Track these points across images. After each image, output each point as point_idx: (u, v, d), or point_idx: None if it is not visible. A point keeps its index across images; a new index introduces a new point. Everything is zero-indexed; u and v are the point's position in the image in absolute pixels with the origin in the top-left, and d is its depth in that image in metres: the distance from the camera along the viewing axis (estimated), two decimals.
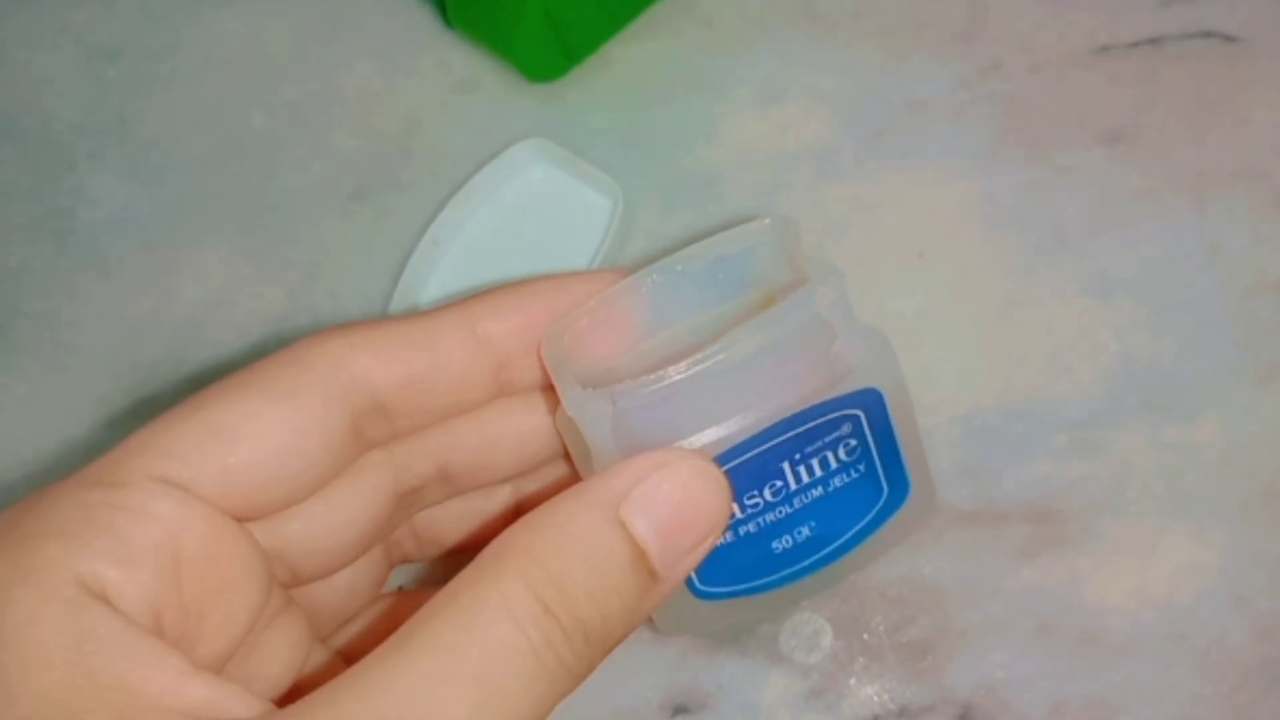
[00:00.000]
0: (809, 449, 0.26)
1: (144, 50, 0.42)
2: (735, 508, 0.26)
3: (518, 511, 0.28)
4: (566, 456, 0.26)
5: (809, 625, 0.31)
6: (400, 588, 0.32)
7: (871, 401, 0.26)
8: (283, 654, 0.24)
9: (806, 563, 0.28)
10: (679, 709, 0.31)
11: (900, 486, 0.28)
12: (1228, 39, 0.38)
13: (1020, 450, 0.33)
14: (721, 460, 0.24)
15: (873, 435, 0.26)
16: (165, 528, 0.21)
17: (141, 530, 0.20)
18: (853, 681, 0.31)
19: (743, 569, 0.27)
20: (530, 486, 0.28)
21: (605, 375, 0.25)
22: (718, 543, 0.23)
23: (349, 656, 0.26)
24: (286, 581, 0.25)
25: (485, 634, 0.20)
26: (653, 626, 0.29)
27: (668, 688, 0.31)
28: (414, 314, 0.25)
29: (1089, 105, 0.37)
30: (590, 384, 0.24)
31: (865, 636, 0.31)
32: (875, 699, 0.31)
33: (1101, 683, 0.30)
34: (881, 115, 0.38)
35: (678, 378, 0.23)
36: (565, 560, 0.21)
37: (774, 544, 0.27)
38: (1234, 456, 0.32)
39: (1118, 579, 0.31)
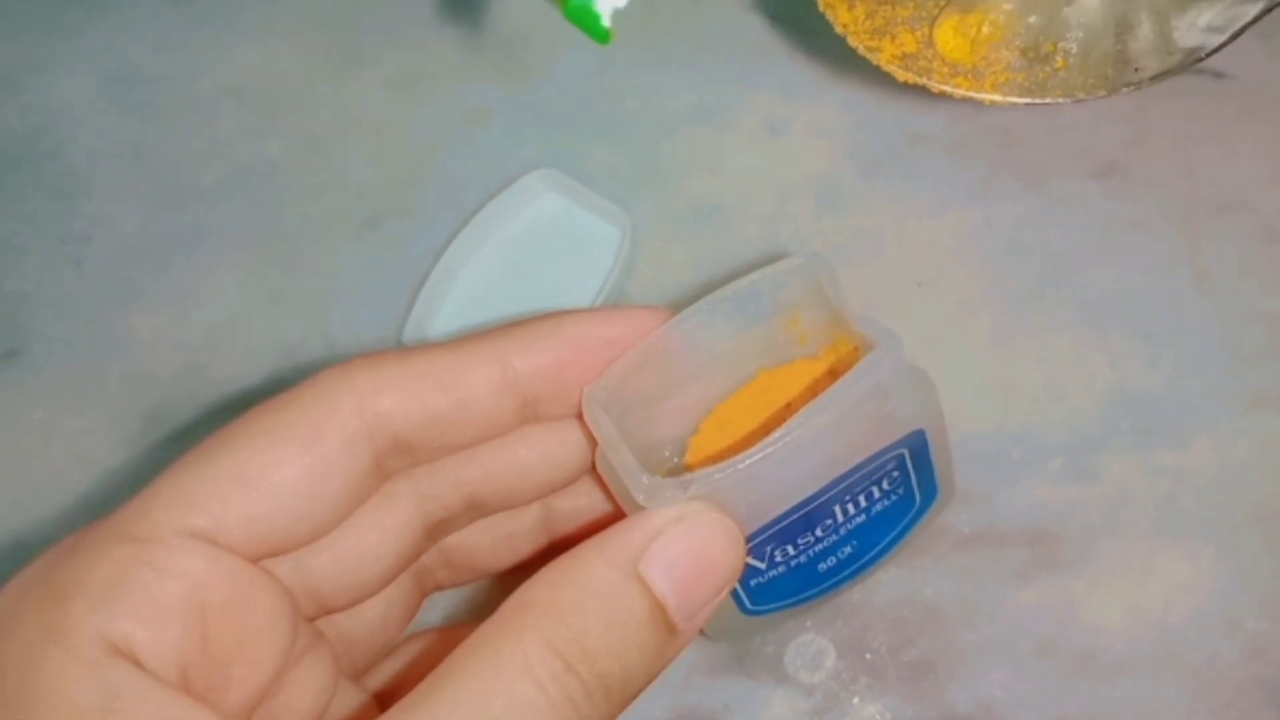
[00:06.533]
0: (858, 489, 0.27)
1: (161, 79, 0.43)
2: (789, 548, 0.27)
3: (547, 530, 0.28)
4: (593, 473, 0.27)
5: (813, 645, 0.32)
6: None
7: (916, 439, 0.27)
8: (309, 691, 0.24)
9: (847, 573, 0.29)
10: None
11: (930, 493, 0.29)
12: (1216, 76, 0.39)
13: (1018, 474, 0.34)
14: (781, 517, 0.25)
15: (913, 465, 0.28)
16: (191, 582, 0.21)
17: (168, 587, 0.21)
18: (855, 700, 0.32)
19: (790, 589, 0.28)
20: (559, 502, 0.28)
21: (655, 440, 0.26)
22: (733, 588, 0.24)
23: (384, 698, 0.27)
24: (314, 613, 0.25)
25: (506, 691, 0.20)
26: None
27: (675, 707, 0.32)
28: (442, 346, 0.25)
29: (1082, 139, 0.38)
30: (637, 439, 0.25)
31: (868, 656, 0.32)
32: (878, 717, 0.31)
33: (1098, 700, 0.31)
34: (881, 147, 0.39)
35: (749, 462, 0.23)
36: (586, 617, 0.21)
37: (819, 565, 0.28)
38: (1225, 480, 0.33)
39: (1113, 600, 0.32)
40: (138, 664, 0.20)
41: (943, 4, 0.27)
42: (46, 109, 0.43)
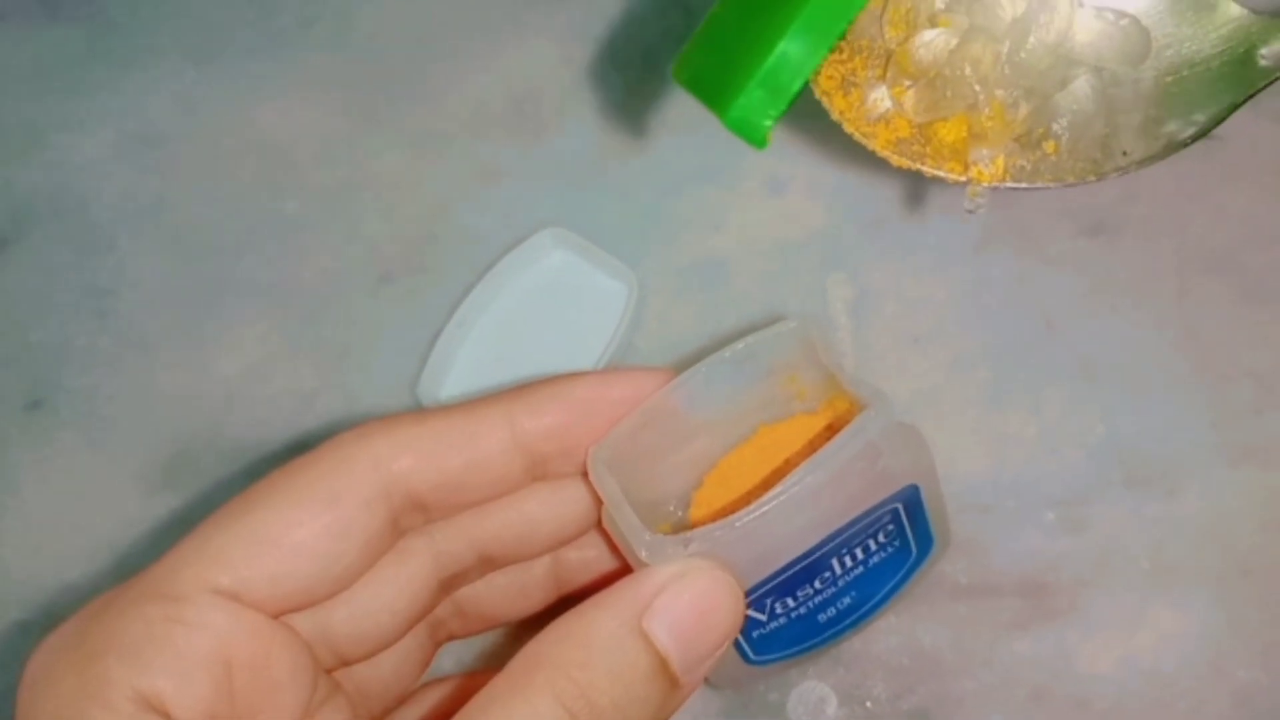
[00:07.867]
0: (855, 542, 0.28)
1: (182, 137, 0.45)
2: (789, 600, 0.28)
3: (557, 580, 0.29)
4: (600, 527, 0.28)
5: (815, 693, 0.33)
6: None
7: (910, 494, 0.28)
8: None
9: (847, 623, 0.30)
10: None
11: (926, 544, 0.30)
12: (1206, 138, 0.40)
13: (1012, 526, 0.35)
14: (781, 571, 0.26)
15: (908, 518, 0.29)
16: (218, 638, 0.22)
17: (197, 643, 0.22)
18: None
19: (791, 639, 0.29)
20: (568, 554, 0.29)
21: (659, 495, 0.27)
22: (734, 641, 0.25)
23: None
24: (332, 665, 0.26)
25: None
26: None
27: None
28: (454, 408, 0.26)
29: (1074, 199, 0.39)
30: (641, 494, 0.26)
31: (868, 704, 0.33)
32: None
33: None
34: (879, 207, 0.40)
35: (746, 520, 0.24)
36: (592, 673, 0.22)
37: (820, 616, 0.29)
38: (1213, 532, 0.34)
39: (1105, 648, 0.33)
40: (169, 718, 0.21)
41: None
42: (71, 166, 0.45)
